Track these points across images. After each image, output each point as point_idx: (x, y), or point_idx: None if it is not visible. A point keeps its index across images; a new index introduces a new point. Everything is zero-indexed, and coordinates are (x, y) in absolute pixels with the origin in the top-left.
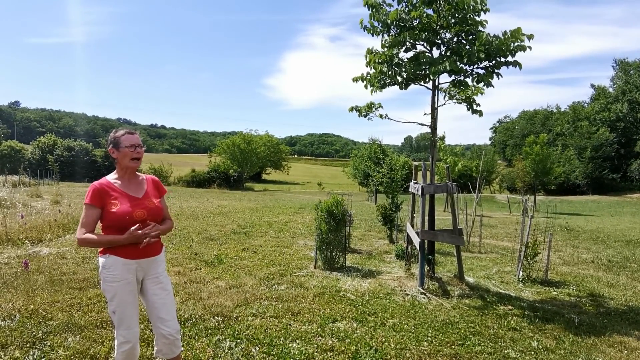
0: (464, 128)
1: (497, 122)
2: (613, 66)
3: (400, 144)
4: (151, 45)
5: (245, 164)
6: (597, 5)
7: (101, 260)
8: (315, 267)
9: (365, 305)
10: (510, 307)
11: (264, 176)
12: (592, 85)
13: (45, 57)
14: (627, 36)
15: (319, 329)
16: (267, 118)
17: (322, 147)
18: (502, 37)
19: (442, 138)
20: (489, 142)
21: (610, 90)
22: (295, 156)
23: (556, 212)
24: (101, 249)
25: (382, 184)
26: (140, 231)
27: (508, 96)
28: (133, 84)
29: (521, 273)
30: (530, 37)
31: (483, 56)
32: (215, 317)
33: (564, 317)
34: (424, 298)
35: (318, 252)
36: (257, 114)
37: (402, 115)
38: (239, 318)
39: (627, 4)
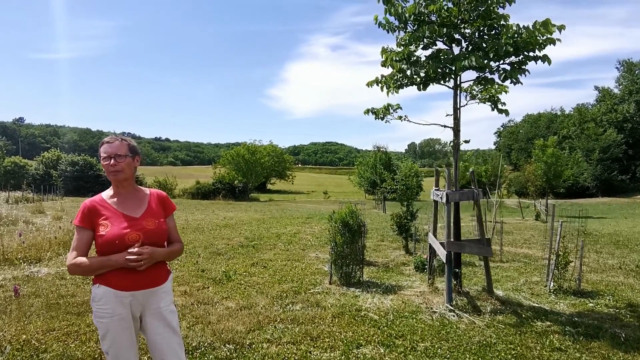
0: (468, 133)
1: (502, 126)
2: (617, 67)
3: (404, 151)
4: (154, 58)
5: (250, 174)
6: (600, 6)
7: (92, 290)
8: (330, 283)
9: (391, 327)
10: (548, 323)
11: (269, 186)
12: (596, 87)
13: (49, 72)
14: (632, 37)
15: (342, 357)
16: (270, 128)
17: (326, 156)
18: (532, 29)
19: (467, 141)
20: (493, 147)
21: (616, 91)
22: (299, 165)
23: (569, 216)
24: (93, 276)
25: (396, 191)
26: (129, 253)
27: (511, 100)
28: (137, 98)
29: (552, 284)
30: (561, 28)
31: (511, 50)
32: (227, 344)
33: (608, 332)
34: (454, 316)
35: (333, 266)
36: (260, 125)
37: (407, 123)
38: (253, 345)
39: (631, 4)
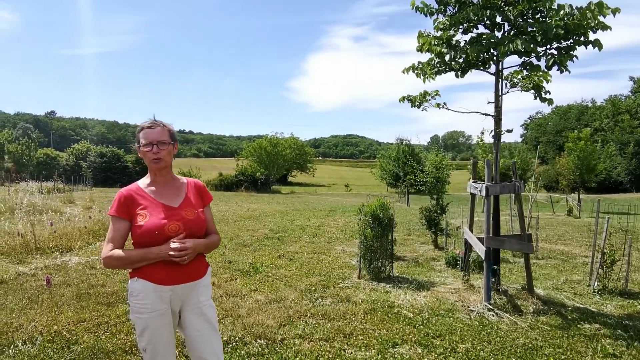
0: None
1: (528, 118)
2: None
3: (426, 143)
4: (178, 51)
5: (272, 166)
6: None
7: (129, 284)
8: (359, 277)
9: (427, 325)
10: (596, 325)
11: (290, 179)
12: (631, 78)
13: (79, 67)
14: None
15: (378, 356)
16: (291, 120)
17: (347, 149)
18: (586, 11)
19: (510, 131)
20: (520, 140)
21: None
22: (320, 158)
23: (605, 212)
24: (130, 269)
25: (426, 184)
26: (171, 245)
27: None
28: (161, 91)
29: (597, 283)
30: (615, 11)
31: (562, 33)
32: (258, 339)
33: None
34: (493, 315)
35: (362, 260)
36: (281, 117)
37: (429, 115)
38: (285, 341)
39: None
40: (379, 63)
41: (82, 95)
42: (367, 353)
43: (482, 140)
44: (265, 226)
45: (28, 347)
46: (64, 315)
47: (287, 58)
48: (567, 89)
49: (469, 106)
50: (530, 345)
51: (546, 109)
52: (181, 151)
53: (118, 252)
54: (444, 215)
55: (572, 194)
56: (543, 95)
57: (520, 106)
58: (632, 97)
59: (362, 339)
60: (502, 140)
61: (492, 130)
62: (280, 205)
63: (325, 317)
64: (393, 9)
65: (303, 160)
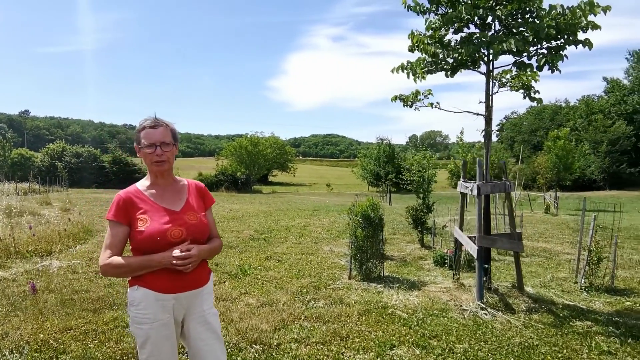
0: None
1: (504, 118)
2: (627, 58)
3: (405, 143)
4: (155, 50)
5: (253, 166)
6: None
7: (129, 293)
8: (350, 278)
9: (422, 326)
10: (588, 323)
11: (270, 178)
12: (605, 79)
13: (53, 65)
14: None
15: (377, 359)
16: (271, 120)
17: (327, 148)
18: (576, 10)
19: (501, 131)
20: (495, 139)
21: (625, 82)
22: (300, 157)
23: (580, 210)
24: (130, 277)
25: (412, 182)
26: (174, 253)
27: (515, 92)
28: (138, 90)
29: (583, 280)
30: (606, 9)
31: (554, 32)
32: (254, 345)
33: None
34: (486, 314)
35: (353, 260)
36: (261, 116)
37: (407, 115)
38: (281, 346)
39: None
40: (358, 63)
41: (57, 94)
42: (366, 356)
43: (461, 140)
44: (249, 227)
45: (16, 356)
46: (50, 323)
47: (267, 57)
48: (541, 89)
49: (444, 106)
50: (526, 344)
51: (521, 108)
52: None
53: (117, 259)
54: (430, 215)
55: (549, 192)
56: (532, 94)
57: (496, 106)
58: (605, 97)
59: (359, 342)
60: (491, 140)
61: (482, 130)
62: (263, 205)
63: (319, 320)
64: (371, 9)
65: (284, 160)
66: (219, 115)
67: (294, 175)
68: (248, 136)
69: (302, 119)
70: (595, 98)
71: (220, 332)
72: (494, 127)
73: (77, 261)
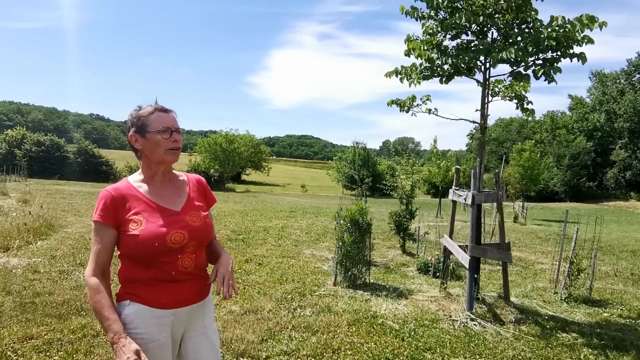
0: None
1: (474, 129)
2: (590, 77)
3: (378, 148)
4: (127, 35)
5: (227, 164)
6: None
7: (117, 309)
8: (335, 284)
9: (415, 338)
10: (574, 334)
11: (244, 177)
12: (570, 96)
13: (13, 45)
14: (620, 46)
15: None
16: (248, 117)
17: (301, 149)
18: (576, 22)
19: (495, 138)
20: (465, 149)
21: (588, 100)
22: (274, 157)
23: (545, 220)
24: (118, 290)
25: (396, 188)
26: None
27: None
28: (107, 78)
29: (564, 291)
30: (602, 24)
31: (554, 44)
32: (240, 358)
33: (634, 345)
34: (476, 325)
35: (339, 266)
36: (238, 113)
37: (385, 120)
38: (270, 359)
39: (627, 12)
40: (342, 64)
41: (17, 77)
42: None
43: (435, 148)
44: (225, 227)
45: None
46: (7, 331)
47: (248, 51)
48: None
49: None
50: (519, 357)
51: (490, 120)
52: (126, 143)
53: (94, 285)
54: (412, 221)
55: (517, 202)
56: (525, 105)
57: (467, 116)
58: (569, 114)
59: (351, 354)
60: (484, 148)
61: (477, 138)
62: (238, 204)
63: (308, 330)
64: (359, 8)
65: (258, 159)
66: (194, 110)
67: (268, 175)
68: (223, 133)
69: (279, 118)
70: (559, 114)
71: (219, 351)
72: (462, 137)
73: (38, 259)
